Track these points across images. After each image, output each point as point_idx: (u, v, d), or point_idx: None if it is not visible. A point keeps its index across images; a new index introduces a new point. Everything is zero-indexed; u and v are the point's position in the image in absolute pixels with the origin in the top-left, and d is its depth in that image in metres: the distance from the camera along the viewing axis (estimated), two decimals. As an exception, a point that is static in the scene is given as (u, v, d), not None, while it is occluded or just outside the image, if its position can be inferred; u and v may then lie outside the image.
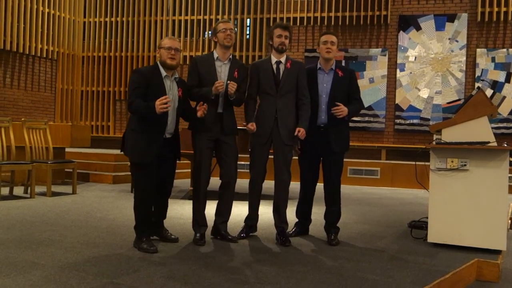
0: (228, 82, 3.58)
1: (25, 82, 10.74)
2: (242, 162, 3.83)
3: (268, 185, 4.00)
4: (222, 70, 3.68)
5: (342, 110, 3.70)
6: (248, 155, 3.93)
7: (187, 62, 11.09)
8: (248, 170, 3.88)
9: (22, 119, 6.60)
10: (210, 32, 10.93)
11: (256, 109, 3.87)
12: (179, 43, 3.52)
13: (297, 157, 4.02)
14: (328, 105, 3.79)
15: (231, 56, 3.73)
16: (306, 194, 4.04)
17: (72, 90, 11.75)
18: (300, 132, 3.69)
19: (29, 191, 5.97)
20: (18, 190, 6.23)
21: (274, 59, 3.80)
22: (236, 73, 3.70)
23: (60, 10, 11.31)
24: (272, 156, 3.79)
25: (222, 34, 3.65)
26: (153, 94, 3.35)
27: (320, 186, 3.95)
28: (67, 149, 7.87)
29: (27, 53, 10.59)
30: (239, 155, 3.84)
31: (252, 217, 3.92)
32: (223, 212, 3.78)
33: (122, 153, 3.56)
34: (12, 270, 2.75)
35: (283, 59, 3.79)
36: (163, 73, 3.45)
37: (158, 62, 3.51)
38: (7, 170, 5.86)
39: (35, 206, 5.17)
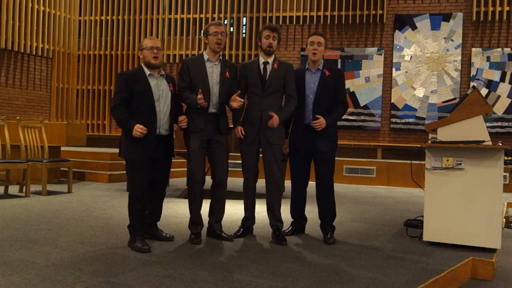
0: (233, 98, 3.60)
1: (20, 80, 10.70)
2: (238, 161, 3.82)
3: (264, 183, 3.99)
4: (214, 71, 3.68)
5: (320, 123, 3.73)
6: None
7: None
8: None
9: (17, 117, 6.58)
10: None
11: (244, 109, 3.88)
12: (159, 41, 3.55)
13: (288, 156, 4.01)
14: (314, 105, 3.82)
15: (221, 57, 3.74)
16: (298, 193, 4.05)
17: (67, 89, 11.71)
18: (273, 117, 3.63)
19: (24, 190, 5.95)
20: (13, 189, 6.21)
21: (261, 60, 3.81)
22: (227, 73, 3.71)
23: (56, 8, 11.27)
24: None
25: (213, 38, 3.63)
26: (139, 93, 3.40)
27: (313, 185, 3.96)
28: (62, 148, 7.85)
29: (22, 51, 10.54)
30: (234, 154, 3.84)
31: (249, 218, 3.92)
32: (216, 212, 3.77)
33: (120, 156, 3.55)
34: (7, 269, 2.74)
35: (270, 60, 3.80)
36: (147, 72, 3.47)
37: (142, 64, 3.52)
38: (2, 169, 5.83)
39: (30, 205, 5.15)
